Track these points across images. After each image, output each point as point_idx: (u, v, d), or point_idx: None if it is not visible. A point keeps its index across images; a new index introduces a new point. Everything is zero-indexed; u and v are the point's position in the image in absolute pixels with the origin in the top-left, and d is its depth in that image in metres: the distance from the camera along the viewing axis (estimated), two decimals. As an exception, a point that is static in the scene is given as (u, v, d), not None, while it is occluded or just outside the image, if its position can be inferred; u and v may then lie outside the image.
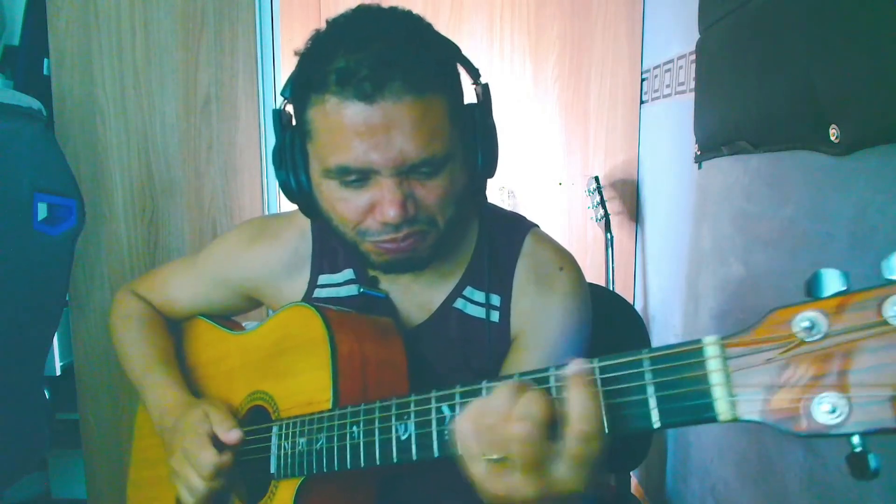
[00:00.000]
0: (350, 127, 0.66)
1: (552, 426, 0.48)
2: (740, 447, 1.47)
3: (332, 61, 0.66)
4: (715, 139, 1.52)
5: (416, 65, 0.66)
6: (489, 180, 0.80)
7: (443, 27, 2.05)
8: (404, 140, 0.66)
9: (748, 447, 1.43)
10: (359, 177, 0.69)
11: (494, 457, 0.49)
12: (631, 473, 1.33)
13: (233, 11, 1.60)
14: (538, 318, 0.82)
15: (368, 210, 0.71)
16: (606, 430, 0.47)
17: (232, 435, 0.77)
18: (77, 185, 1.38)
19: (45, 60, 1.64)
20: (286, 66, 0.76)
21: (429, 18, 0.74)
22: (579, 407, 0.46)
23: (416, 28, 0.72)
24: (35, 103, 1.31)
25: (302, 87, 0.71)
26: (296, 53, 0.74)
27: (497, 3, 2.21)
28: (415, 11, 0.73)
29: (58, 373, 1.64)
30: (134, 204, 1.64)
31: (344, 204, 0.72)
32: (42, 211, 1.28)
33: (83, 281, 1.64)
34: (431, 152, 0.68)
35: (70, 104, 1.60)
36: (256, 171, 1.67)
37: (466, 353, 0.83)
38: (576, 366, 0.48)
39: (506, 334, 0.83)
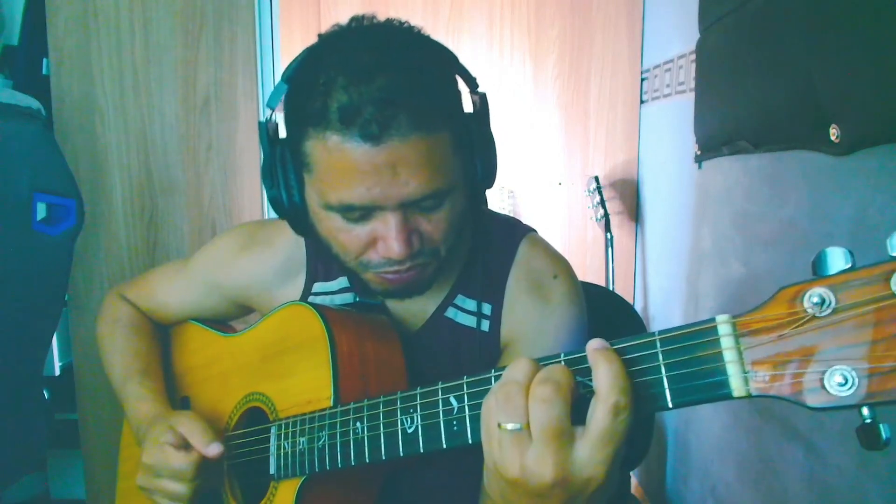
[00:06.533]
0: (355, 167, 0.64)
1: (572, 405, 0.47)
2: (740, 447, 1.47)
3: (332, 93, 0.63)
4: (715, 139, 1.52)
5: (423, 101, 0.64)
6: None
7: (443, 27, 2.06)
8: (410, 177, 0.65)
9: (748, 448, 1.43)
10: (362, 212, 0.68)
11: (510, 426, 0.47)
12: (631, 473, 1.33)
13: (232, 11, 1.60)
14: (531, 328, 0.80)
15: (370, 243, 0.70)
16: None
17: (213, 448, 0.75)
18: (76, 185, 1.37)
19: (45, 60, 1.63)
20: (286, 67, 0.73)
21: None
22: (609, 378, 0.45)
23: (418, 52, 0.69)
24: (34, 103, 1.31)
25: (298, 115, 0.67)
26: (286, 77, 0.70)
27: (497, 3, 2.21)
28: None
29: (57, 373, 1.64)
30: (133, 204, 1.63)
31: (346, 235, 0.71)
32: (41, 211, 1.28)
33: (82, 281, 1.64)
34: (436, 186, 0.67)
35: (69, 104, 1.60)
36: (256, 171, 1.67)
37: (459, 363, 0.82)
38: (595, 342, 0.48)
39: (495, 343, 0.82)
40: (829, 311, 0.39)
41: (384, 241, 0.68)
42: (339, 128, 0.63)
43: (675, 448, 1.93)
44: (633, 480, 2.18)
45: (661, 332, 0.46)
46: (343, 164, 0.64)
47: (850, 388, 0.38)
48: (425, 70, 0.67)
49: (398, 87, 0.63)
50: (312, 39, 0.72)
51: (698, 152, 1.65)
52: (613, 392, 0.45)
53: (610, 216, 2.12)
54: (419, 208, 0.68)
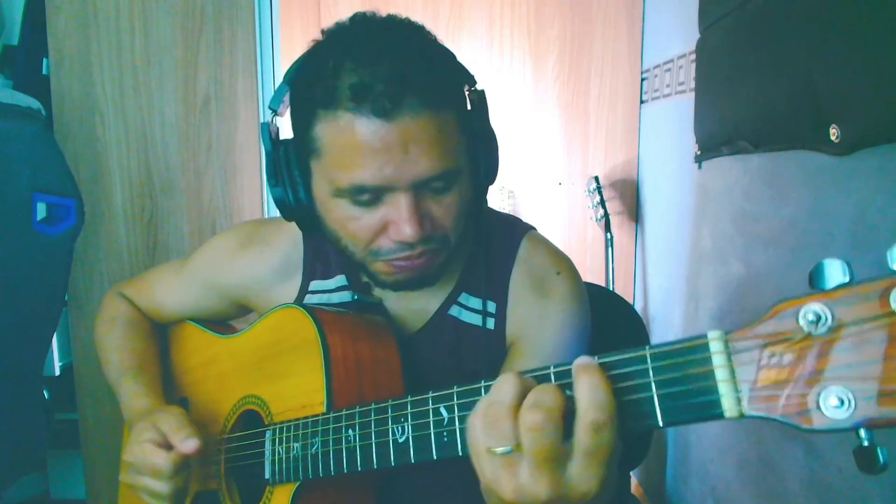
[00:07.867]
0: (366, 144, 0.64)
1: (563, 422, 0.45)
2: (741, 447, 1.47)
3: (342, 76, 0.64)
4: (715, 139, 1.52)
5: (431, 80, 0.65)
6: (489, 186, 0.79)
7: (443, 27, 2.06)
8: (421, 155, 0.65)
9: (748, 447, 1.42)
10: (373, 195, 0.68)
11: (499, 450, 0.46)
12: (631, 473, 1.33)
13: (232, 11, 1.60)
14: (535, 324, 0.81)
15: (381, 229, 0.70)
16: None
17: (188, 444, 0.74)
18: (76, 185, 1.37)
19: (45, 60, 1.63)
20: (286, 66, 0.74)
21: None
22: (588, 394, 0.44)
23: (421, 40, 0.70)
24: (34, 103, 1.31)
25: (306, 102, 0.68)
26: (287, 78, 0.70)
27: (497, 3, 2.21)
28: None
29: (57, 373, 1.64)
30: (133, 204, 1.64)
31: (355, 223, 0.70)
32: (41, 211, 1.28)
33: (82, 281, 1.64)
34: (446, 166, 0.67)
35: (69, 104, 1.60)
36: (256, 171, 1.67)
37: (461, 361, 0.82)
38: (582, 358, 0.46)
39: (501, 341, 0.82)
40: (825, 328, 0.38)
41: (396, 224, 0.68)
42: (351, 106, 0.63)
43: (675, 448, 1.93)
44: (633, 480, 2.18)
45: (651, 347, 0.44)
46: (355, 142, 0.64)
47: (846, 409, 0.37)
48: (431, 53, 0.68)
49: (407, 66, 0.64)
50: (312, 40, 0.72)
51: (698, 152, 1.65)
52: (591, 409, 0.44)
53: (610, 216, 2.12)
54: (430, 190, 0.68)
